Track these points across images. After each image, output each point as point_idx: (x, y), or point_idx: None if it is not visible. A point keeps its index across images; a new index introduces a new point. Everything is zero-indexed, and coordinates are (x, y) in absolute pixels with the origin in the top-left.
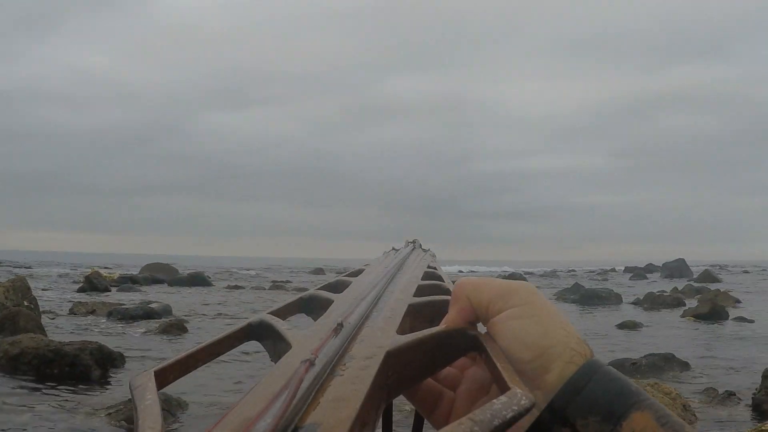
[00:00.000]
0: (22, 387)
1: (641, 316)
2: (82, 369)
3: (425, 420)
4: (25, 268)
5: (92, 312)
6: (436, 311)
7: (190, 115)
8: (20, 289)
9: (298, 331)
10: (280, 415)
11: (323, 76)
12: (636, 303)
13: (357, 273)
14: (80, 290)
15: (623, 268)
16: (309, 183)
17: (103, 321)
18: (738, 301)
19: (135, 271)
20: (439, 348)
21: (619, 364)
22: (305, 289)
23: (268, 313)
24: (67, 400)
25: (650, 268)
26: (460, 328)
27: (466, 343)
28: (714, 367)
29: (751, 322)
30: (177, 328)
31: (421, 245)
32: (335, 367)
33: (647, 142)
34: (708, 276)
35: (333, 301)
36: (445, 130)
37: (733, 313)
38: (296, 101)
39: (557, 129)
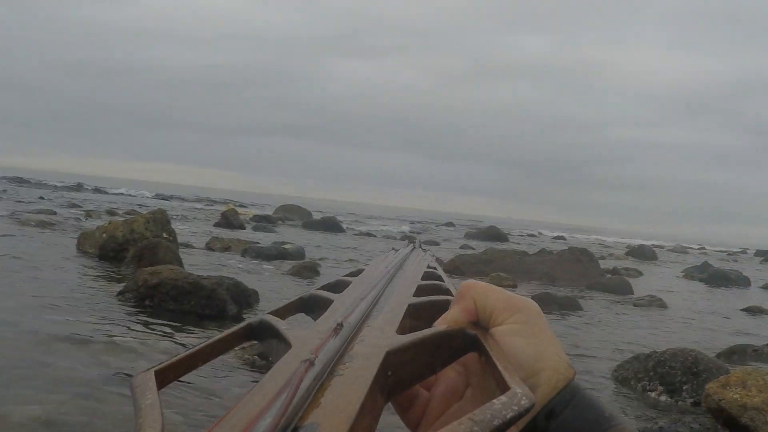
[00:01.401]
0: (161, 316)
1: None
2: (218, 303)
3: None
4: (163, 199)
5: (228, 248)
6: (436, 311)
7: (312, 59)
8: (160, 220)
9: (298, 331)
10: (280, 415)
11: (444, 30)
12: (766, 288)
13: (357, 273)
14: (216, 225)
15: (754, 251)
16: (425, 135)
17: (238, 258)
18: None
19: (268, 211)
20: (439, 348)
21: (740, 350)
22: (434, 243)
23: (268, 313)
24: (203, 332)
25: None
26: (459, 328)
27: (466, 343)
28: None
29: None
30: (309, 270)
31: (421, 245)
32: (335, 367)
33: None
34: None
35: (333, 301)
36: (562, 93)
37: None
38: (416, 53)
39: (681, 101)
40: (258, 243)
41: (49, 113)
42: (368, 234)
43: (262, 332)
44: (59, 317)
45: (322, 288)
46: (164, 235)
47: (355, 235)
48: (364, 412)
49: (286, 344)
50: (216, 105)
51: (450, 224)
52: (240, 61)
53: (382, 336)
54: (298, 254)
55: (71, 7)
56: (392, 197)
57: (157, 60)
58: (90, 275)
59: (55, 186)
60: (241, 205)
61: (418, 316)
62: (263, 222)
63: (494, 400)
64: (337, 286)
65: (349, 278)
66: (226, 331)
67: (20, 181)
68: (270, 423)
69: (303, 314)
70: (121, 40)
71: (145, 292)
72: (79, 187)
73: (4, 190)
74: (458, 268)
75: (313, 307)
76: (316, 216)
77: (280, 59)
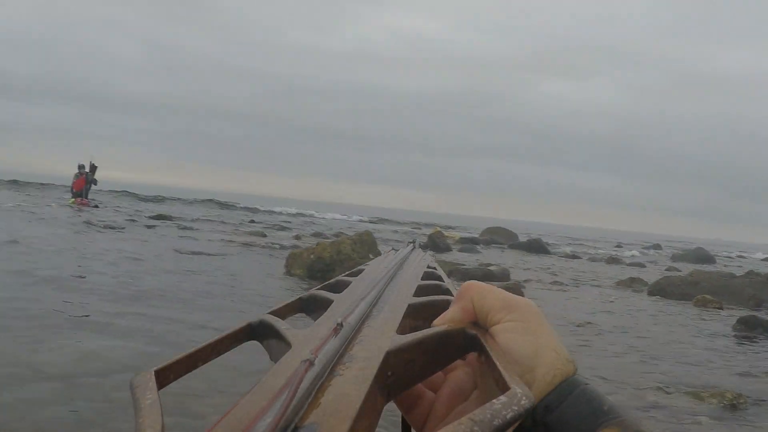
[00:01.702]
0: None
1: None
2: None
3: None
4: (372, 222)
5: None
6: (436, 311)
7: (513, 81)
8: (367, 242)
9: (298, 331)
10: (280, 415)
11: (644, 47)
12: None
13: (357, 273)
14: (423, 247)
15: None
16: (629, 154)
17: None
18: None
19: (474, 233)
20: (439, 348)
21: None
22: (640, 265)
23: (268, 313)
24: None
25: None
26: (459, 327)
27: (465, 342)
28: None
29: None
30: (514, 292)
31: (420, 245)
32: (335, 367)
33: None
34: None
35: (333, 301)
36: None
37: None
38: (616, 70)
39: None
40: (463, 265)
41: (261, 138)
42: (574, 256)
43: (262, 332)
44: None
45: (322, 288)
46: (370, 256)
47: (561, 257)
48: (364, 412)
49: (286, 344)
50: (422, 128)
51: (657, 246)
52: (443, 84)
53: (382, 336)
54: (503, 275)
55: (281, 34)
56: (597, 218)
57: (365, 84)
58: (297, 295)
59: (271, 210)
60: (447, 228)
61: (418, 316)
62: (469, 244)
63: (494, 400)
64: (337, 286)
65: (349, 278)
66: (226, 331)
67: (228, 206)
68: (270, 423)
69: (303, 314)
70: (330, 65)
71: None
72: (289, 211)
73: (219, 214)
74: (663, 289)
75: (312, 307)
76: (522, 238)
77: (481, 81)
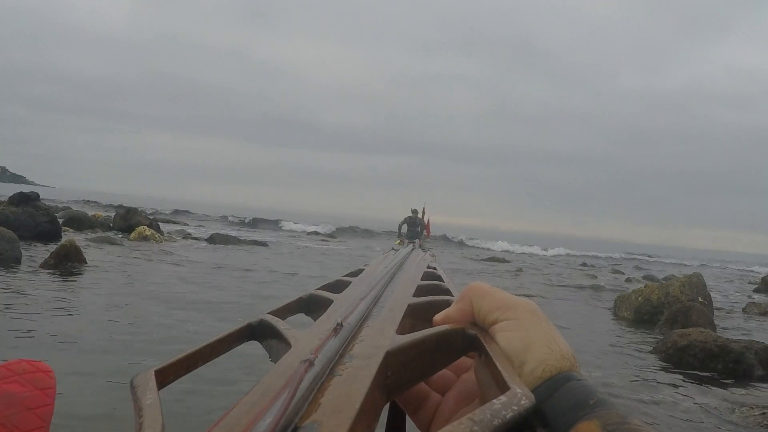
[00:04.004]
0: (685, 376)
1: None
2: (745, 367)
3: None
4: (701, 265)
5: (765, 313)
6: (436, 311)
7: None
8: (696, 284)
9: (298, 331)
10: (279, 415)
11: None
12: None
13: (357, 273)
14: (756, 291)
15: None
16: None
17: None
18: None
19: None
20: (439, 348)
21: None
22: None
23: (267, 313)
24: (724, 395)
25: None
26: (459, 327)
27: (465, 342)
28: None
29: None
30: None
31: (420, 245)
32: (335, 367)
33: None
34: None
35: (333, 301)
36: None
37: None
38: None
39: None
40: None
41: (603, 184)
42: None
43: (262, 332)
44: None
45: (322, 288)
46: (699, 298)
47: None
48: (364, 412)
49: (285, 344)
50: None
51: None
52: None
53: (382, 336)
54: None
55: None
56: None
57: (712, 124)
58: (622, 336)
59: (611, 257)
60: None
61: (418, 316)
62: None
63: (494, 400)
64: (337, 286)
65: (349, 278)
66: (226, 331)
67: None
68: (270, 423)
69: (303, 314)
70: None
71: (673, 354)
72: (624, 255)
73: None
74: None
75: (312, 307)
76: None
77: None
